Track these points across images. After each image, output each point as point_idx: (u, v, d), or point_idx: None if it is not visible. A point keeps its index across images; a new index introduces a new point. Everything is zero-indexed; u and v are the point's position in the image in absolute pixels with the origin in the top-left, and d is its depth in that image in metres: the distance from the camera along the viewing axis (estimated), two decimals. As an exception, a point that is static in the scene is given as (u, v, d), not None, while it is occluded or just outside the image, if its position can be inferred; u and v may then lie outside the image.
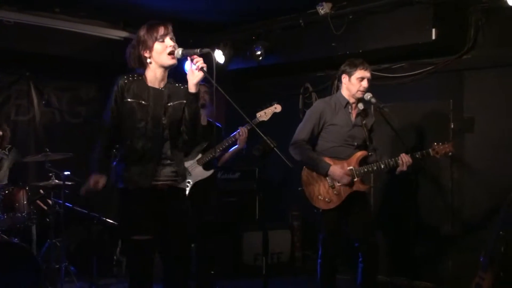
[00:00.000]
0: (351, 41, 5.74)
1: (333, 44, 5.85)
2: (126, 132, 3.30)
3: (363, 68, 4.41)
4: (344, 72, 4.48)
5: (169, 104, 3.34)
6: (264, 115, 4.95)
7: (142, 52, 3.28)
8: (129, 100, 3.27)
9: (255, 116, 4.93)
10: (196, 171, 4.97)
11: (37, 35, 6.13)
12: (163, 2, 5.78)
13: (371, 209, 4.67)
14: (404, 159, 4.31)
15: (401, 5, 5.35)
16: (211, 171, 5.03)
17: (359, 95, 4.44)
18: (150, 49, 3.27)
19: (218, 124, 5.17)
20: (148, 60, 3.30)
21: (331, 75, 6.49)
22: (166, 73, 3.38)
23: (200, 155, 5.03)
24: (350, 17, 5.68)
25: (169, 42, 3.28)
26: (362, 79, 4.41)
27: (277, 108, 4.97)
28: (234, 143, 5.04)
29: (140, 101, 3.28)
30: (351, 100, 4.49)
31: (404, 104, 5.87)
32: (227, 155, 5.22)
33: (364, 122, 4.49)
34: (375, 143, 4.60)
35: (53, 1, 5.96)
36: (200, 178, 4.96)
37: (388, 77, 6.06)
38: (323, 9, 5.78)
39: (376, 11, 5.53)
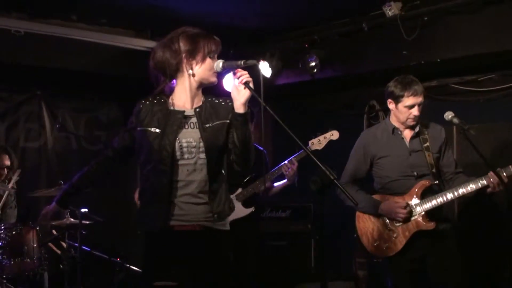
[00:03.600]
0: (426, 48, 5.71)
1: (404, 52, 5.83)
2: (144, 166, 3.35)
3: (412, 94, 4.35)
4: (390, 96, 4.45)
5: (207, 125, 3.36)
6: (317, 143, 4.96)
7: (189, 60, 3.31)
8: (142, 128, 3.32)
9: (307, 143, 4.93)
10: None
11: (51, 46, 6.28)
12: (198, 5, 5.86)
13: (456, 252, 4.53)
14: (494, 179, 4.20)
15: (488, 2, 5.30)
16: (251, 209, 5.05)
17: (410, 123, 4.44)
18: (199, 62, 3.32)
19: (260, 148, 5.21)
20: (190, 72, 3.33)
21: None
22: (200, 90, 3.42)
23: (240, 190, 5.05)
24: (425, 18, 5.65)
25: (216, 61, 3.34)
26: (411, 106, 4.38)
27: (333, 135, 4.98)
28: (280, 177, 5.06)
29: (154, 129, 3.31)
30: (402, 127, 4.50)
31: (494, 125, 5.80)
32: (273, 190, 5.24)
33: (426, 145, 4.44)
34: (453, 168, 4.51)
35: (69, 7, 6.10)
36: (237, 216, 4.98)
37: (473, 92, 6.00)
38: (391, 9, 5.76)
39: (458, 10, 5.49)
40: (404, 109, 4.39)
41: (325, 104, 7.23)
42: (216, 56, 3.35)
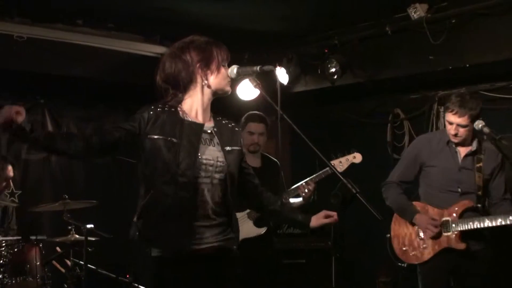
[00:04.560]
0: (453, 53, 5.70)
1: (430, 57, 5.82)
2: (151, 178, 3.30)
3: (452, 112, 4.40)
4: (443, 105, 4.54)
5: (228, 148, 3.38)
6: (338, 164, 4.97)
7: (203, 70, 3.32)
8: (155, 137, 3.30)
9: (327, 158, 4.91)
10: (244, 226, 4.97)
11: (54, 52, 6.30)
12: (210, 7, 5.86)
13: (482, 275, 4.54)
14: None
15: (521, 4, 5.29)
16: (263, 229, 5.05)
17: (451, 139, 4.51)
18: (215, 71, 3.33)
19: (274, 160, 5.21)
20: (205, 82, 3.34)
21: (429, 97, 6.41)
22: (210, 102, 3.43)
23: None
24: (453, 21, 5.64)
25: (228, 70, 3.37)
26: (450, 123, 4.45)
27: (356, 157, 5.01)
28: (296, 195, 5.07)
29: (170, 138, 3.29)
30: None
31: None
32: None
33: (478, 165, 4.47)
34: (501, 193, 4.54)
35: (74, 11, 6.11)
36: (248, 236, 4.97)
37: (504, 99, 5.97)
38: (417, 11, 5.74)
39: (487, 13, 5.47)
40: (446, 122, 4.52)
41: (346, 112, 7.21)
42: (227, 64, 3.36)
